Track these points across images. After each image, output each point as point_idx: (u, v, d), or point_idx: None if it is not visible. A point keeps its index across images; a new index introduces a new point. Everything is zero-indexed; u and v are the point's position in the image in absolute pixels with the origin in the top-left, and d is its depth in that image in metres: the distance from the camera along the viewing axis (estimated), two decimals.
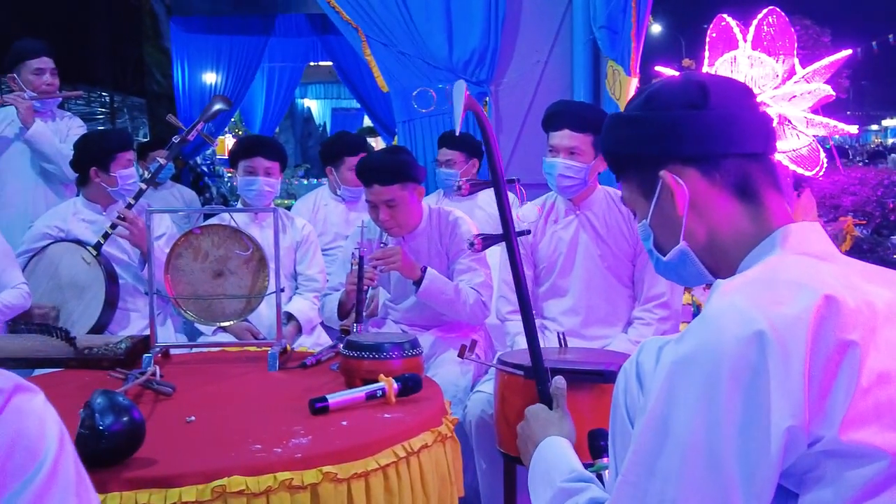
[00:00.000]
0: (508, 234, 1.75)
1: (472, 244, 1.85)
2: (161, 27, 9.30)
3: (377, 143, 12.07)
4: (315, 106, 17.82)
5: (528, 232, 2.82)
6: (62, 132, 4.22)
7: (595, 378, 2.23)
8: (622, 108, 4.42)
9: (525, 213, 3.17)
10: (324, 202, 4.55)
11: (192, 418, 2.06)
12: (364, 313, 2.93)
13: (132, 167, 3.56)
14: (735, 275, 1.20)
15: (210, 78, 9.50)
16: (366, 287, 2.98)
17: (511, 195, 4.23)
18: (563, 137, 2.94)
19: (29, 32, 5.35)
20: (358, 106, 12.48)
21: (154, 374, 2.36)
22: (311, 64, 11.46)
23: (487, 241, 1.86)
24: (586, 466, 1.44)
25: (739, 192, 1.21)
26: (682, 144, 1.22)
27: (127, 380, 2.30)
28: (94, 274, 3.39)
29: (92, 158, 3.51)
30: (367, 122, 13.82)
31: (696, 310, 3.96)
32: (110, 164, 3.48)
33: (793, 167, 3.76)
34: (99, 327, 3.37)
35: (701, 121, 1.21)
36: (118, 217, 3.35)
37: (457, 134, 1.77)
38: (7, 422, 0.75)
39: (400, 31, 4.75)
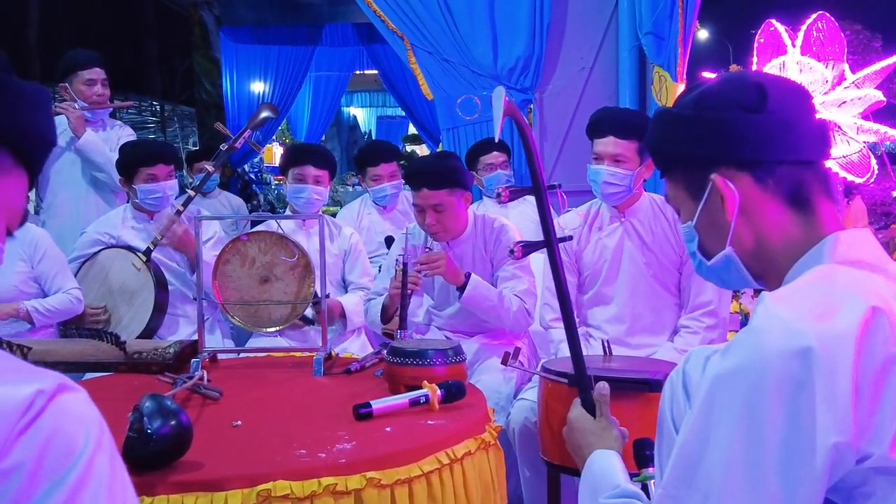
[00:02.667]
0: (550, 241, 1.73)
1: (511, 251, 1.84)
2: (211, 37, 9.43)
3: (421, 151, 12.11)
4: (361, 114, 17.95)
5: (570, 238, 2.81)
6: (112, 141, 4.29)
7: (640, 387, 2.21)
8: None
9: (566, 220, 3.15)
10: (367, 210, 4.65)
11: (239, 422, 2.08)
12: (407, 319, 2.94)
13: (156, 182, 3.55)
14: (782, 283, 1.18)
15: (258, 87, 9.62)
16: (410, 291, 2.99)
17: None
18: (607, 144, 2.92)
19: (82, 43, 5.46)
20: (403, 114, 12.55)
21: (202, 378, 2.38)
22: (357, 72, 11.57)
23: (528, 248, 1.85)
24: (632, 476, 1.43)
25: (792, 199, 1.18)
26: (736, 149, 1.18)
27: (175, 384, 2.33)
28: (143, 280, 3.45)
29: (120, 167, 3.60)
30: (412, 129, 13.88)
31: (744, 318, 3.90)
32: (133, 177, 3.54)
33: (843, 174, 3.70)
34: (148, 332, 3.42)
35: (758, 125, 1.17)
36: (169, 220, 3.42)
37: (496, 140, 1.77)
38: (47, 420, 0.77)
39: (444, 39, 4.76)
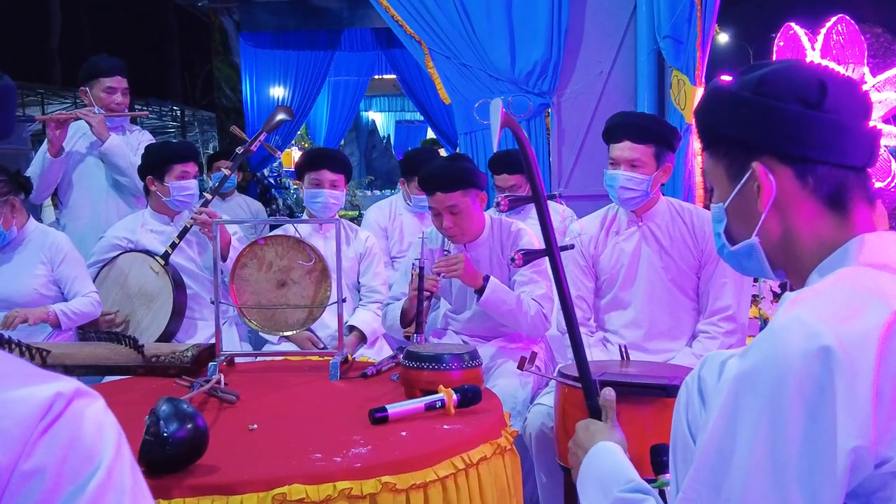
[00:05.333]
0: (551, 249, 1.73)
1: (512, 259, 1.85)
2: (230, 43, 9.46)
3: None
4: (379, 118, 17.96)
5: (572, 246, 2.82)
6: (133, 146, 4.30)
7: (658, 392, 2.20)
8: (687, 119, 4.34)
9: (574, 227, 3.17)
10: (399, 211, 4.75)
11: (255, 426, 2.09)
12: (424, 323, 2.94)
13: (189, 179, 3.62)
14: (805, 281, 1.18)
15: (277, 92, 9.66)
16: (428, 294, 2.99)
17: (567, 208, 4.24)
18: (623, 149, 2.91)
19: (103, 48, 5.49)
20: (421, 118, 12.56)
21: (219, 382, 2.39)
22: (376, 77, 11.59)
23: (529, 256, 1.85)
24: (648, 482, 1.42)
25: (829, 200, 1.17)
26: (784, 142, 1.17)
27: (192, 387, 2.34)
28: (162, 283, 3.47)
29: (149, 167, 3.62)
30: (430, 133, 13.89)
31: (763, 323, 3.87)
32: (164, 175, 3.57)
33: None
34: (166, 335, 3.44)
35: (811, 123, 1.15)
36: (195, 212, 3.44)
37: (494, 150, 1.77)
38: (65, 426, 0.77)
39: (462, 43, 4.76)
